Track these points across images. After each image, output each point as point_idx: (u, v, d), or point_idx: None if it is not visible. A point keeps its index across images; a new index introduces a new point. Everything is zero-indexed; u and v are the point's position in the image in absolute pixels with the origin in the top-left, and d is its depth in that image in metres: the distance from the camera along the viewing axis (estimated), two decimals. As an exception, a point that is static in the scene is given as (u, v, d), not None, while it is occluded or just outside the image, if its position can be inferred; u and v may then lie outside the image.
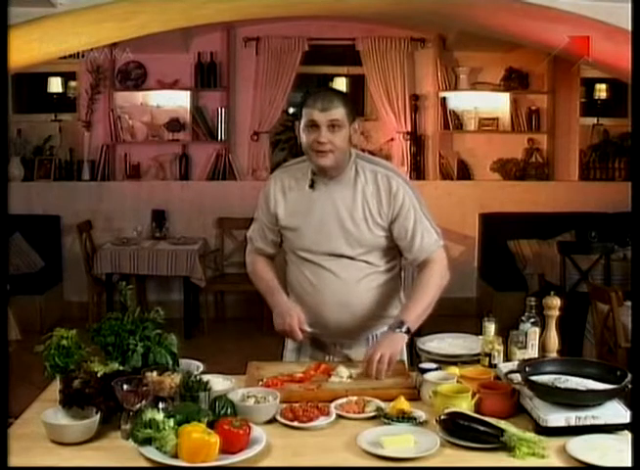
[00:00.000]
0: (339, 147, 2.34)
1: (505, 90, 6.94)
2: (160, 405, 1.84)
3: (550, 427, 1.80)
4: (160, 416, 1.74)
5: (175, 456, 1.67)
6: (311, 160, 2.39)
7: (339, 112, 2.31)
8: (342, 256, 2.43)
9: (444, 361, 2.26)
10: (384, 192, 2.40)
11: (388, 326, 2.39)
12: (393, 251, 2.49)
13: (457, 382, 2.05)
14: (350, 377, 2.18)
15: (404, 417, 1.90)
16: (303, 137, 2.36)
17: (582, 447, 1.71)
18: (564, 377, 1.97)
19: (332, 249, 2.42)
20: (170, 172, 6.85)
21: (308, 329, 2.39)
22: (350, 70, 7.06)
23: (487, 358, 2.22)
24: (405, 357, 2.50)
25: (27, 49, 4.34)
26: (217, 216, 6.65)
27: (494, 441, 1.75)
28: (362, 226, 2.40)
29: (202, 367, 2.13)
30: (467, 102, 6.99)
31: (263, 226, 2.55)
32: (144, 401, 1.80)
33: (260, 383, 2.12)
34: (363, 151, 7.57)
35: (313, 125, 2.32)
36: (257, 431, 1.78)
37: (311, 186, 2.42)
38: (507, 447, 1.74)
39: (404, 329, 2.31)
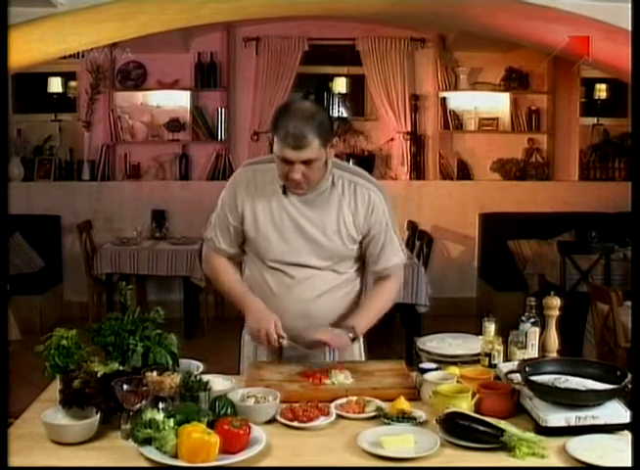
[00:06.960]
0: (314, 178, 2.22)
1: (505, 90, 6.94)
2: (160, 405, 1.84)
3: (550, 427, 1.80)
4: (160, 416, 1.74)
5: (175, 456, 1.67)
6: (285, 185, 2.27)
7: (312, 149, 2.13)
8: (308, 266, 2.34)
9: (444, 361, 2.26)
10: (361, 206, 2.30)
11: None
12: (362, 258, 2.43)
13: (457, 382, 2.05)
14: (350, 377, 2.18)
15: (404, 417, 1.90)
16: (276, 165, 2.21)
17: (582, 447, 1.71)
18: (564, 377, 1.97)
19: (298, 260, 2.33)
20: (170, 172, 6.86)
21: (284, 335, 2.27)
22: (350, 70, 7.05)
23: (487, 358, 2.21)
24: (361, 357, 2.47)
25: (27, 49, 4.34)
26: (217, 217, 6.63)
27: (494, 441, 1.75)
28: (335, 239, 2.31)
29: (202, 367, 2.12)
30: (467, 102, 6.99)
31: (229, 225, 2.38)
32: (144, 401, 1.80)
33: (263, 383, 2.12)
34: (363, 151, 7.51)
35: (286, 161, 2.16)
36: (257, 431, 1.78)
37: (284, 192, 2.29)
38: (507, 447, 1.73)
39: (352, 335, 2.30)
